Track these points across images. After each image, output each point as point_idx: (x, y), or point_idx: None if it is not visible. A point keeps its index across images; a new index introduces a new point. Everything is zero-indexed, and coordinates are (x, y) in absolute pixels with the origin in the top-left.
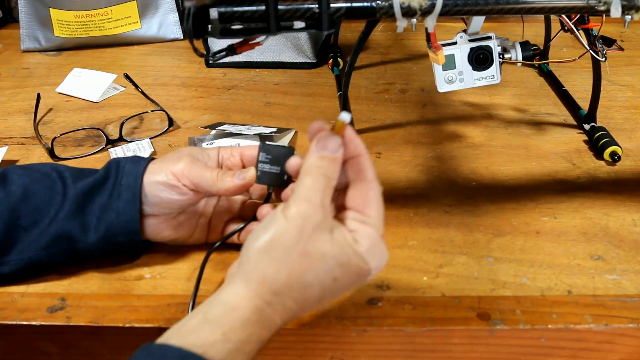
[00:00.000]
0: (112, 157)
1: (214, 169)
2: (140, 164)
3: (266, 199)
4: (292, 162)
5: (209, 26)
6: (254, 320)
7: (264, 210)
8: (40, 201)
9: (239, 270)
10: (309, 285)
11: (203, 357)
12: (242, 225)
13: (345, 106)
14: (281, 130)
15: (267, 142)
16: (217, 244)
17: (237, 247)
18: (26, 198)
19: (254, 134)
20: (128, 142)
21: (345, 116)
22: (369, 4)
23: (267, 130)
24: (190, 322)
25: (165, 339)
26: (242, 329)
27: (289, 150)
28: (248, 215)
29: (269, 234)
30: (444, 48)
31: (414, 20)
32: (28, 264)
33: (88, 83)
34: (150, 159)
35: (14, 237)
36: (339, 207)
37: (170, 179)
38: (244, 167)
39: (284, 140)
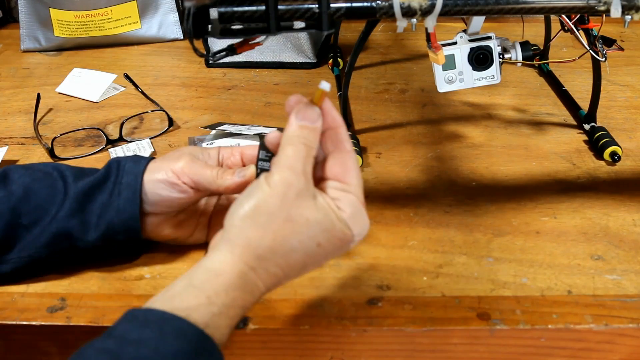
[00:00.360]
0: (112, 157)
1: (214, 167)
2: (140, 162)
3: None
4: (270, 136)
5: (209, 26)
6: (238, 284)
7: None
8: (41, 200)
9: (222, 237)
10: (292, 251)
11: (187, 320)
12: None
13: (345, 106)
14: (281, 130)
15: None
16: None
17: None
18: (27, 197)
19: (254, 134)
20: (128, 142)
21: (325, 85)
22: (369, 4)
23: (267, 130)
24: (174, 287)
25: (149, 304)
26: (225, 294)
27: None
28: None
29: (252, 201)
30: (444, 48)
31: (414, 20)
32: (28, 262)
33: (88, 83)
34: (151, 158)
35: (15, 236)
36: (318, 180)
37: (170, 177)
38: (244, 166)
39: None
